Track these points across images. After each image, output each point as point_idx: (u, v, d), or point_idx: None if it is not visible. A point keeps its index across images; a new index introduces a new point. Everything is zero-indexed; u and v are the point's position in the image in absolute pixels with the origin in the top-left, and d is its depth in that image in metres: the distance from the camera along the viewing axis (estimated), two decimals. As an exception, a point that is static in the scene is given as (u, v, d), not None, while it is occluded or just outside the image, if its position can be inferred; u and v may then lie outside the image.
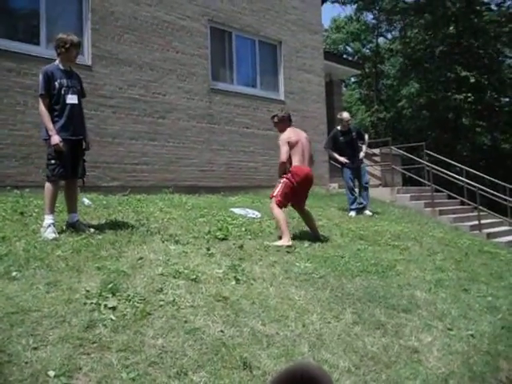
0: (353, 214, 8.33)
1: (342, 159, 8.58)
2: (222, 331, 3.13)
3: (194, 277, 3.87)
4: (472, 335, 3.92)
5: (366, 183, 8.85)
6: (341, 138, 8.68)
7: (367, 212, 8.52)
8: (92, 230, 4.76)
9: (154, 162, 8.25)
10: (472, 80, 22.32)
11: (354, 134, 8.75)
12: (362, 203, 8.62)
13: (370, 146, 10.29)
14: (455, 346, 3.66)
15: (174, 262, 4.16)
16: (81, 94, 4.88)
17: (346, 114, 8.91)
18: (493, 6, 25.49)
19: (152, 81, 8.34)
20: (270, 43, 10.66)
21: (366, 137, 9.06)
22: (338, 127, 8.82)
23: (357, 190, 8.72)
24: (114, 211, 5.82)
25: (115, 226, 5.08)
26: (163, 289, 3.57)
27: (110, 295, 3.29)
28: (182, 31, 8.85)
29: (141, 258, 4.13)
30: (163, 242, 4.75)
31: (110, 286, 3.40)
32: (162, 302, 3.35)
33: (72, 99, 4.68)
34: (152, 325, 3.04)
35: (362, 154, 8.77)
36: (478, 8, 24.25)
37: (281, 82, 10.75)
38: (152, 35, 8.39)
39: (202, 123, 9.03)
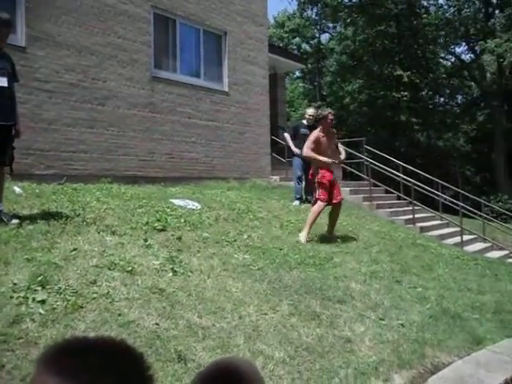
0: (297, 202, 8.57)
1: (295, 149, 8.82)
2: (157, 324, 3.08)
3: (130, 268, 3.79)
4: (402, 324, 4.07)
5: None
6: (302, 130, 8.94)
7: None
8: (16, 221, 4.45)
9: (92, 151, 7.97)
10: (405, 79, 23.18)
11: None
12: (307, 198, 8.80)
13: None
14: (386, 335, 3.79)
15: (109, 254, 4.04)
16: (12, 77, 4.53)
17: (309, 110, 9.43)
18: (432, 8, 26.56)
19: (91, 66, 8.03)
20: (215, 33, 10.54)
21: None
22: (304, 120, 9.08)
23: (303, 183, 8.94)
24: (48, 200, 5.58)
25: (48, 215, 4.86)
26: (97, 281, 3.46)
27: (40, 288, 3.16)
28: (124, 16, 8.57)
29: (74, 250, 3.99)
30: (99, 232, 4.61)
31: (40, 278, 3.26)
32: (95, 295, 3.24)
33: (0, 81, 4.34)
34: (84, 318, 2.95)
35: None
36: (417, 11, 25.17)
37: (225, 73, 10.67)
38: (92, 18, 8.06)
39: (144, 112, 8.82)
